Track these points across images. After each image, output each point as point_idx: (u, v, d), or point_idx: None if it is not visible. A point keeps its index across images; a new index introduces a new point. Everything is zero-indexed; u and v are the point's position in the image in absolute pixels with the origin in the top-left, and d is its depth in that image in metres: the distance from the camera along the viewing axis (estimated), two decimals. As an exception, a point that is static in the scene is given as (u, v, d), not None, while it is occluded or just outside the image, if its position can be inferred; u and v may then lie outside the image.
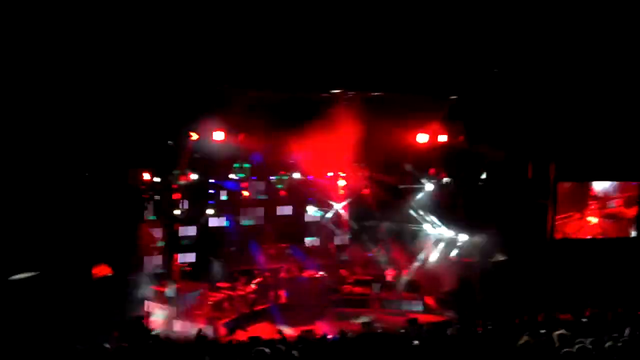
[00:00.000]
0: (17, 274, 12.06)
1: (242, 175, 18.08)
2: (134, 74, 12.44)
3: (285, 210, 19.31)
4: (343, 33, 11.77)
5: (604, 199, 16.82)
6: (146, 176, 15.77)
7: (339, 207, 19.67)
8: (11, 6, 10.41)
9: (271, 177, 18.81)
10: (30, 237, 12.14)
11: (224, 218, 18.29)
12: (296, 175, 18.57)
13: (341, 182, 19.48)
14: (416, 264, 17.91)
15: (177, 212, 16.86)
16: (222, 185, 18.15)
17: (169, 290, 14.94)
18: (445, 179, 17.66)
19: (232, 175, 18.02)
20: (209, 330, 12.90)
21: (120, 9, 10.93)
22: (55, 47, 11.31)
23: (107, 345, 8.90)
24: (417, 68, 13.99)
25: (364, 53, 12.46)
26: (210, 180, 17.77)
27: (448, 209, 17.80)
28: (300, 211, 19.58)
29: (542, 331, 9.99)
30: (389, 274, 17.86)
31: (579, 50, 13.30)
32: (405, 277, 17.74)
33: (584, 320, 11.86)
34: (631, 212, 16.79)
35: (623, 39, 12.75)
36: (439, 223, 17.91)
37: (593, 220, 16.73)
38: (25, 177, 12.13)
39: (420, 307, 16.37)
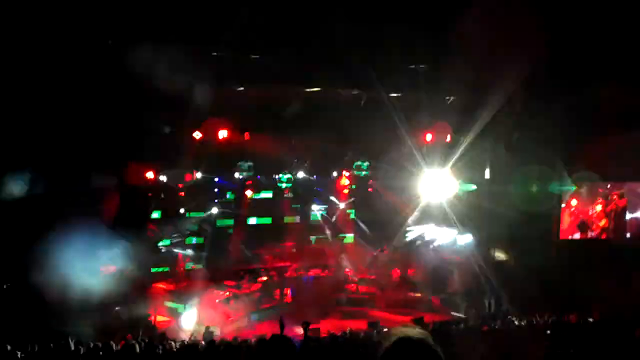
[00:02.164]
0: (20, 274, 12.09)
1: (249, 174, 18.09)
2: (136, 71, 12.42)
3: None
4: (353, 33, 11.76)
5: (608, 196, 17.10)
6: (150, 175, 15.74)
7: (342, 206, 19.72)
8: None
9: (276, 176, 18.82)
10: (34, 235, 12.13)
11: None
12: (301, 175, 18.58)
13: (345, 182, 19.49)
14: (421, 264, 17.92)
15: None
16: (225, 185, 18.21)
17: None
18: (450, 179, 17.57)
19: (236, 174, 18.05)
20: (215, 329, 12.90)
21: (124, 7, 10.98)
22: (60, 44, 11.34)
23: (112, 343, 8.97)
24: (423, 67, 14.03)
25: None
26: (215, 179, 17.85)
27: (453, 208, 17.75)
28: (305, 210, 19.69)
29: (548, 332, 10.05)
30: (395, 274, 17.84)
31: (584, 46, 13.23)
32: (410, 276, 17.72)
33: (591, 320, 11.84)
34: (622, 202, 17.46)
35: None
36: (445, 223, 17.85)
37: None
38: (27, 175, 12.11)
39: (426, 306, 16.31)
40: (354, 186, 19.68)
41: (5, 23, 10.59)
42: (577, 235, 16.91)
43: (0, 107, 11.43)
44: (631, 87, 12.92)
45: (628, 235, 17.39)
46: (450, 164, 16.74)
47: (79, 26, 11.13)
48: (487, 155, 16.58)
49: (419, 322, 12.44)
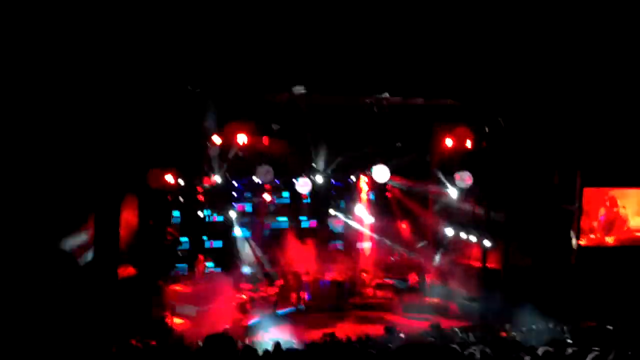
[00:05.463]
0: (42, 274, 12.23)
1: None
2: (158, 76, 12.58)
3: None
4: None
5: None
6: (170, 179, 15.76)
7: (360, 210, 19.67)
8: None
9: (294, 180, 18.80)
10: (55, 237, 12.29)
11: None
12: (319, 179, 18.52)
13: (363, 187, 19.43)
14: (439, 269, 17.84)
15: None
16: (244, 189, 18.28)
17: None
18: (470, 184, 17.42)
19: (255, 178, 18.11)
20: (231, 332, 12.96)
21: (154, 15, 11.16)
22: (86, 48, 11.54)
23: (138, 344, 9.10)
24: (448, 76, 14.04)
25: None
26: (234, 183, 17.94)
27: (473, 214, 17.63)
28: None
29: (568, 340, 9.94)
30: (412, 278, 17.76)
31: (603, 59, 13.21)
32: (428, 281, 17.65)
33: (609, 328, 11.68)
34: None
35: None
36: (464, 229, 17.73)
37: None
38: (49, 177, 12.22)
39: (443, 312, 16.22)
40: (371, 192, 19.63)
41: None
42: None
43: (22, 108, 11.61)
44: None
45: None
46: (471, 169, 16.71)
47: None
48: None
49: (435, 327, 12.43)
